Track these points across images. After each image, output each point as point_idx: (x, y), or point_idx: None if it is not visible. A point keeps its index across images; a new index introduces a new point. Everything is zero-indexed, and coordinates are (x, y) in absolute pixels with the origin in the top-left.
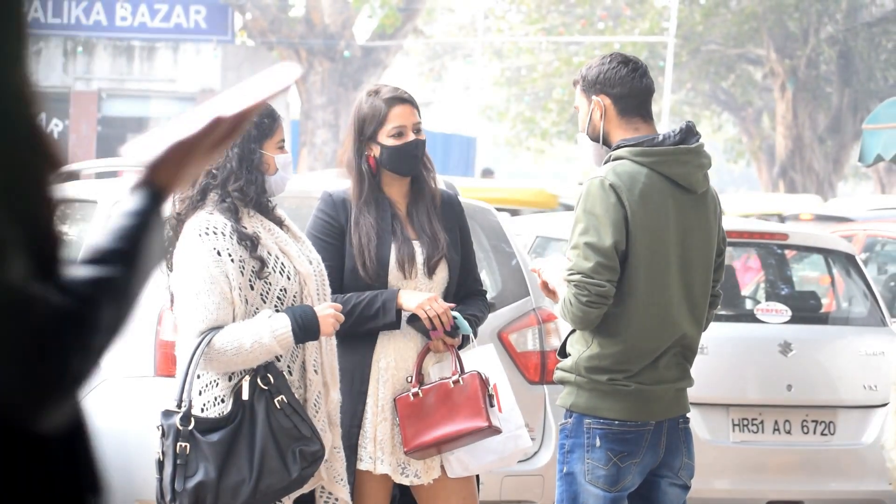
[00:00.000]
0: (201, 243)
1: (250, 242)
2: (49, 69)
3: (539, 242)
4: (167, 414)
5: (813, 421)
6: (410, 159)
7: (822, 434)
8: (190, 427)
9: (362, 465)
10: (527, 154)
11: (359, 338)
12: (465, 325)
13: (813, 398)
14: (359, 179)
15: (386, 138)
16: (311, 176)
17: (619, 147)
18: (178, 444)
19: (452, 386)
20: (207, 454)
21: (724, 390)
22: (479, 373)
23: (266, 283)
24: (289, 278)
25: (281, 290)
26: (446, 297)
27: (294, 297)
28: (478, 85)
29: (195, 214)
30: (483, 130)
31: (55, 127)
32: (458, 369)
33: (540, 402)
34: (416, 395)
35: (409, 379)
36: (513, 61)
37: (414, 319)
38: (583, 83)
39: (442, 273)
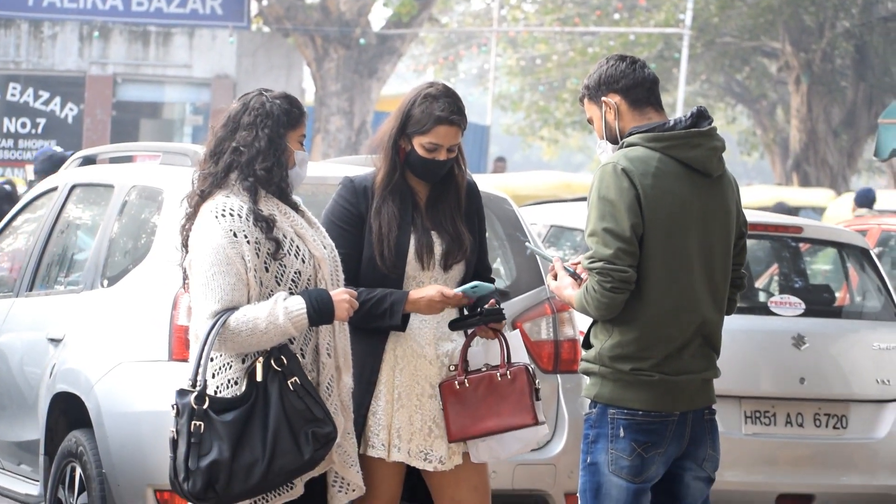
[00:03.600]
0: (217, 225)
1: (266, 224)
2: (65, 54)
3: (553, 232)
4: (182, 393)
5: (825, 414)
6: (432, 175)
7: (834, 428)
8: (205, 406)
9: (374, 453)
10: (540, 143)
11: (373, 329)
12: (485, 287)
13: (826, 392)
14: (390, 168)
15: (419, 146)
16: (326, 163)
17: (630, 134)
18: (193, 422)
19: (499, 379)
20: (221, 433)
21: (737, 382)
22: (526, 366)
23: (281, 265)
24: (303, 261)
25: (296, 272)
26: (459, 286)
27: (308, 280)
28: (492, 74)
29: (213, 196)
30: (496, 119)
31: (70, 111)
32: (506, 361)
33: (553, 392)
34: (461, 383)
35: (453, 367)
36: (527, 51)
37: (456, 322)
38: (588, 92)
39: (458, 267)
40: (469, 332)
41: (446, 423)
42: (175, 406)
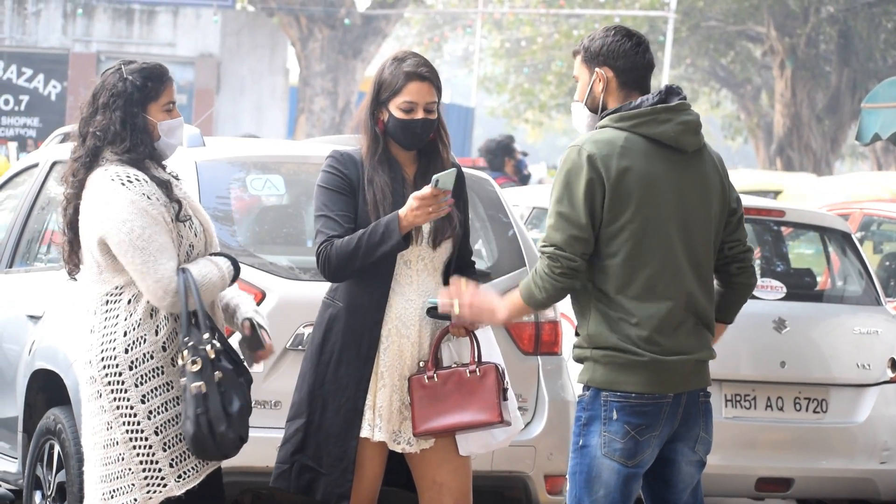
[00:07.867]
0: (128, 191)
1: (166, 187)
2: (48, 31)
3: (536, 213)
4: (195, 347)
5: (805, 398)
6: (413, 136)
7: (814, 412)
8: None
9: (360, 433)
10: (524, 126)
11: (368, 301)
12: (447, 175)
13: (806, 376)
14: (372, 140)
15: (396, 109)
16: (309, 141)
17: (603, 117)
18: (216, 373)
19: (468, 375)
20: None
21: (717, 365)
22: (496, 365)
23: (179, 235)
24: (196, 235)
25: (189, 245)
26: (446, 267)
27: (199, 253)
28: (477, 56)
29: (96, 170)
30: (481, 102)
31: (53, 88)
32: (476, 358)
33: (533, 374)
34: (430, 378)
35: (423, 363)
36: (512, 33)
37: (433, 310)
38: (585, 54)
39: (447, 245)
40: (441, 328)
41: (412, 416)
42: (195, 360)
